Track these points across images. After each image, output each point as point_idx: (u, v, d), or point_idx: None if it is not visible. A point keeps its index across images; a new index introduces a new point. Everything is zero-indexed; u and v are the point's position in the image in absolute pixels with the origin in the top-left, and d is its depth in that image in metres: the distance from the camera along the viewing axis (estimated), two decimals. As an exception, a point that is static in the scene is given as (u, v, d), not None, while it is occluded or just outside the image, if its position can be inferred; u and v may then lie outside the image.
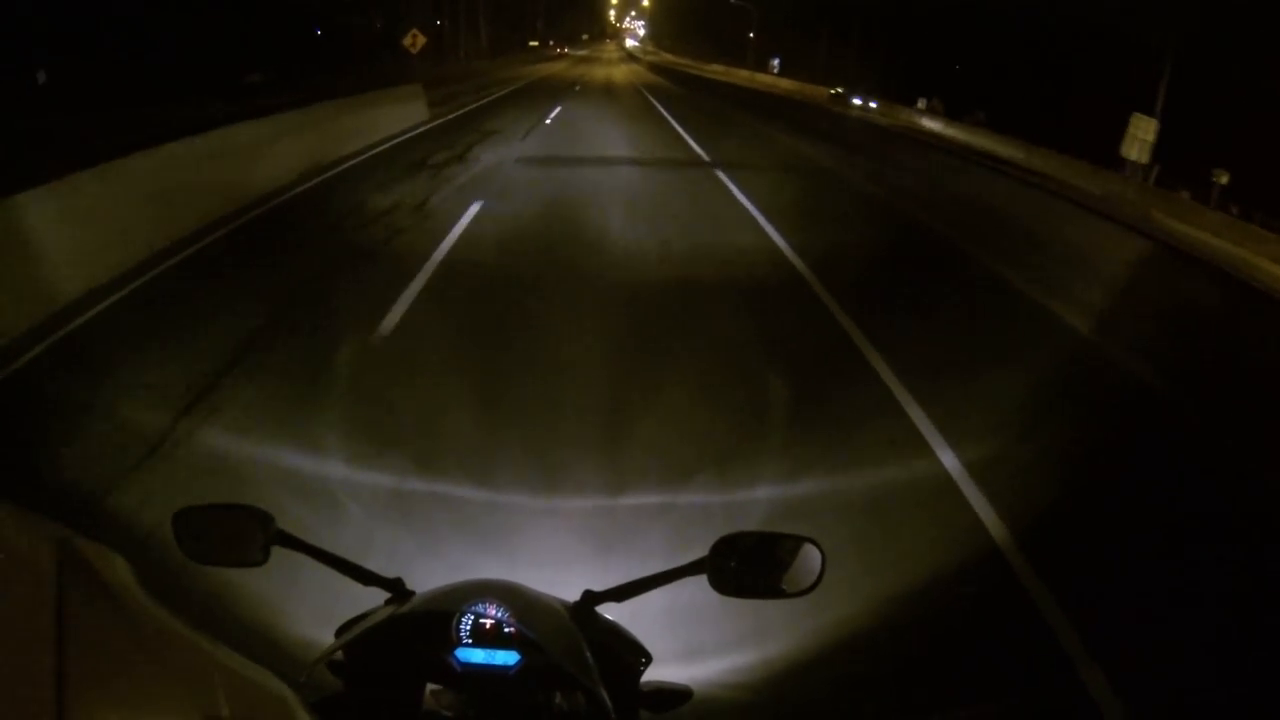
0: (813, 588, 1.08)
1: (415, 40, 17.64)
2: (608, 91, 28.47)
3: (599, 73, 40.41)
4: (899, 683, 2.52)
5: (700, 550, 1.12)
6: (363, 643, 0.99)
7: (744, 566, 1.10)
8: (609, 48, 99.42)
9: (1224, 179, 15.05)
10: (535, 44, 65.34)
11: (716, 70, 43.21)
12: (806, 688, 2.43)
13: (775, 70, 40.83)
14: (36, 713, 0.25)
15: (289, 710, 0.36)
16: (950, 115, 25.54)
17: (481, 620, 0.99)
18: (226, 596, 2.53)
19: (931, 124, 24.28)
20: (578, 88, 27.91)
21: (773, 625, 2.59)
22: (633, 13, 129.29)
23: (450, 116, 15.65)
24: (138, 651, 0.30)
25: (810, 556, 1.09)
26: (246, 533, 1.07)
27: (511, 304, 5.08)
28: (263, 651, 2.40)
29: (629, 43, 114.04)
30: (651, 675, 1.13)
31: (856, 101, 28.95)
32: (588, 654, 1.00)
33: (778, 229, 7.58)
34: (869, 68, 32.51)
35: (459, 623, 0.99)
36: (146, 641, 0.30)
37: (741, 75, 39.44)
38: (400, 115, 13.44)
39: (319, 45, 20.78)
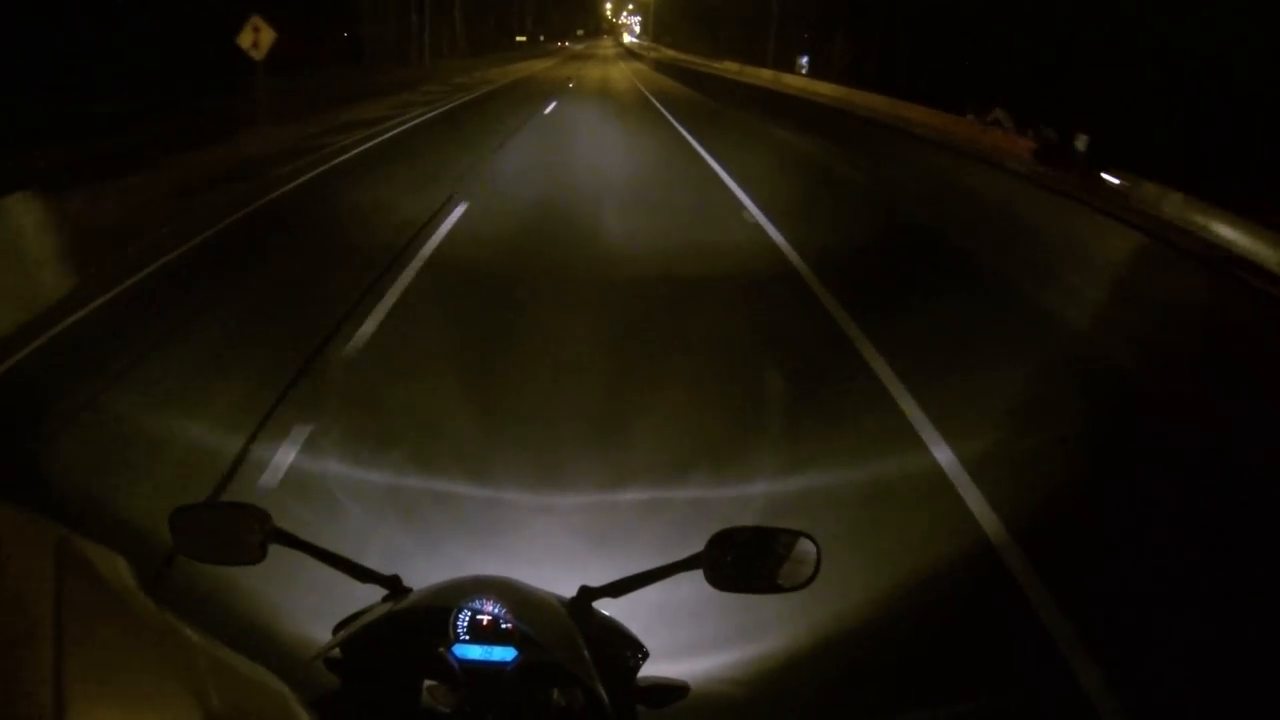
0: (809, 582, 1.12)
1: (257, 38, 10.98)
2: (600, 102, 20.86)
3: (592, 74, 33.79)
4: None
5: (696, 544, 1.15)
6: (359, 639, 1.01)
7: (740, 561, 1.13)
8: (605, 43, 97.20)
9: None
10: (523, 39, 59.38)
11: (729, 69, 35.83)
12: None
13: (804, 70, 33.86)
14: (36, 712, 0.26)
15: (288, 709, 0.37)
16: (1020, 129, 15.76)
17: (478, 616, 1.01)
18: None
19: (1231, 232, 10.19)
20: (550, 108, 18.43)
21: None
22: (629, 7, 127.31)
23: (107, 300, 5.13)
24: (138, 651, 0.30)
25: (806, 551, 1.12)
26: (244, 530, 1.10)
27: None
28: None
29: (626, 38, 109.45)
30: (648, 670, 1.16)
31: None
32: (584, 650, 1.03)
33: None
34: (895, 68, 26.92)
35: (456, 619, 1.01)
36: (146, 641, 0.31)
37: (764, 76, 31.85)
38: None
39: (226, 55, 14.80)
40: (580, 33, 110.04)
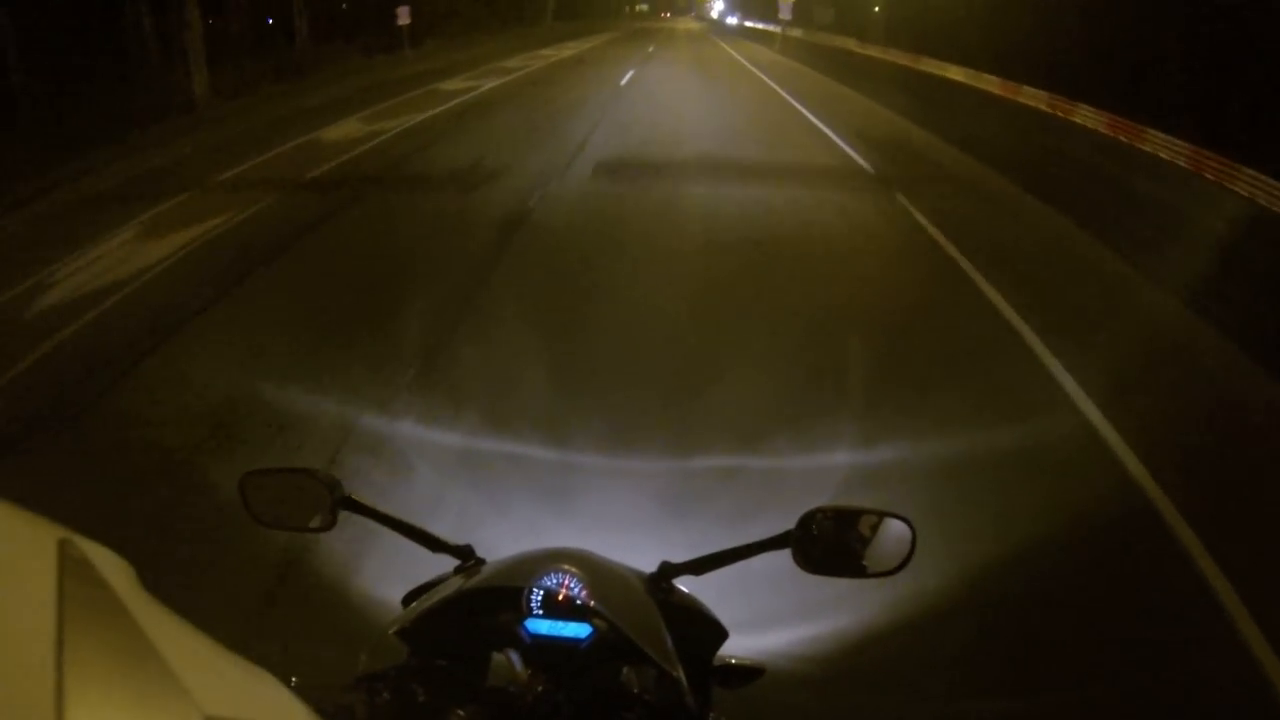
0: (901, 567, 1.14)
1: None
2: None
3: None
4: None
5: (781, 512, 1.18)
6: (431, 612, 1.08)
7: (830, 542, 1.16)
8: (682, 26, 61.32)
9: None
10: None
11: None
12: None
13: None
14: (36, 713, 0.27)
15: (289, 711, 0.40)
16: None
17: (554, 591, 1.06)
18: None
19: None
20: None
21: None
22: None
23: None
24: (138, 652, 0.32)
25: (900, 534, 1.14)
26: (314, 497, 1.19)
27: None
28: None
29: (729, 18, 65.91)
30: (724, 649, 1.20)
31: None
32: (663, 628, 1.07)
33: None
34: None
35: (530, 593, 1.06)
36: (146, 641, 0.33)
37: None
38: None
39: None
40: (642, 7, 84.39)
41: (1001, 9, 21.04)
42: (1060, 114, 16.85)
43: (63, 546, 0.34)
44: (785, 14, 31.55)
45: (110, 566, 0.36)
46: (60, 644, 0.30)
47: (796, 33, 36.13)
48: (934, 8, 25.34)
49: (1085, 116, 15.96)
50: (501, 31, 37.79)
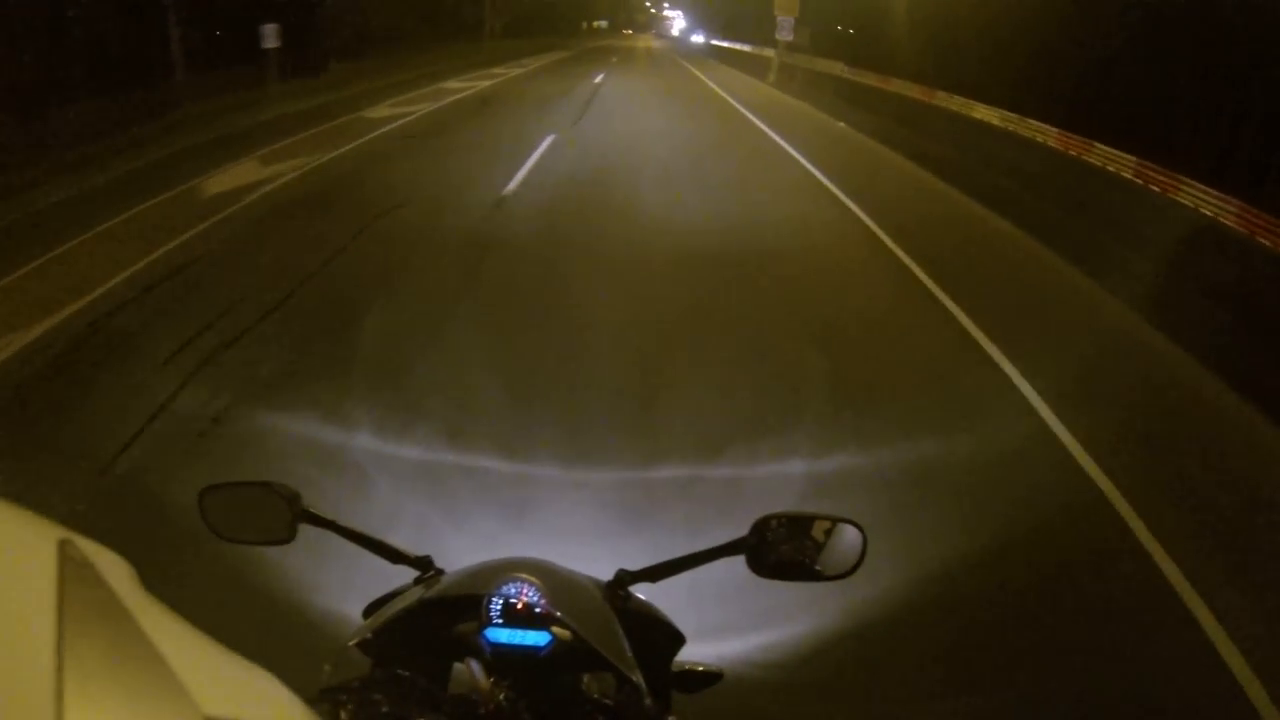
0: (853, 570, 1.18)
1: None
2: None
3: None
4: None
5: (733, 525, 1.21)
6: (392, 623, 1.09)
7: (784, 547, 1.19)
8: (642, 44, 60.39)
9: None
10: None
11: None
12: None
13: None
14: (36, 713, 0.27)
15: (289, 711, 0.40)
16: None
17: (513, 600, 1.07)
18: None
19: None
20: None
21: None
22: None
23: None
24: (138, 653, 0.31)
25: (851, 538, 1.18)
26: (274, 510, 1.19)
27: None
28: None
29: (693, 36, 63.41)
30: (683, 654, 1.24)
31: None
32: (621, 635, 1.09)
33: None
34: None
35: (489, 603, 1.07)
36: (146, 641, 0.33)
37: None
38: None
39: None
40: (601, 24, 77.30)
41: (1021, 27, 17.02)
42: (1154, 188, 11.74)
43: (63, 547, 0.34)
44: (784, 33, 24.03)
45: (110, 567, 0.36)
46: (60, 644, 0.31)
47: (774, 54, 29.93)
48: (941, 30, 21.01)
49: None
50: (434, 50, 30.94)
